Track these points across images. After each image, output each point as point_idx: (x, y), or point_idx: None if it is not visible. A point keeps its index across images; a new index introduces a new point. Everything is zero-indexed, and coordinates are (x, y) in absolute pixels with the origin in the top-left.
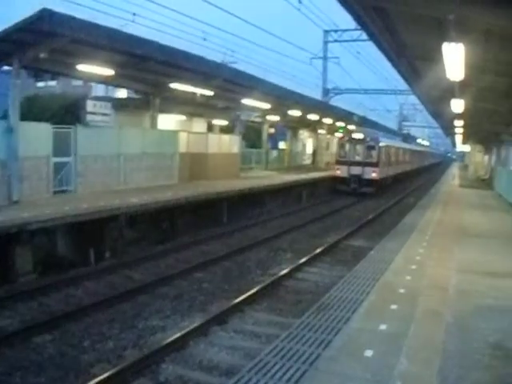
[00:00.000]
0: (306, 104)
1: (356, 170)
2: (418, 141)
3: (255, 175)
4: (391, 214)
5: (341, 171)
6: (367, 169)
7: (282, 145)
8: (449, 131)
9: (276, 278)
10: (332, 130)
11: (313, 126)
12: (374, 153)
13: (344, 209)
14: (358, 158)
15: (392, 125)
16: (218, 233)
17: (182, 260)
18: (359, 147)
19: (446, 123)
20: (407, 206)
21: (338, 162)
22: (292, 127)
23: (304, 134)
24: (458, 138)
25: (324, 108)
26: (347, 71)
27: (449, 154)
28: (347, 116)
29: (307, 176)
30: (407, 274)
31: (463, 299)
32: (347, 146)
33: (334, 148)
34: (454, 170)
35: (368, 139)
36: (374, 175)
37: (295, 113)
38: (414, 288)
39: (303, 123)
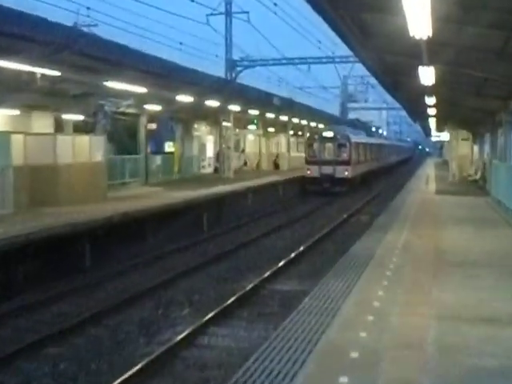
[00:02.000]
0: (202, 85)
1: (327, 170)
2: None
3: (131, 194)
4: (335, 240)
5: (311, 171)
6: (339, 168)
7: (168, 147)
8: (417, 114)
9: (168, 348)
10: (244, 120)
11: (214, 117)
12: (346, 150)
13: (267, 236)
14: (328, 157)
15: (332, 108)
16: (77, 284)
17: (25, 328)
18: (329, 145)
19: (412, 103)
20: (359, 226)
21: (309, 162)
22: (183, 120)
23: (202, 130)
24: (432, 123)
25: (229, 89)
26: (262, 33)
27: (420, 147)
28: (264, 99)
29: (209, 191)
30: (361, 328)
31: (448, 360)
32: (316, 145)
33: (249, 146)
34: (429, 170)
35: (338, 136)
36: (346, 174)
37: (186, 98)
38: (372, 349)
39: (199, 114)
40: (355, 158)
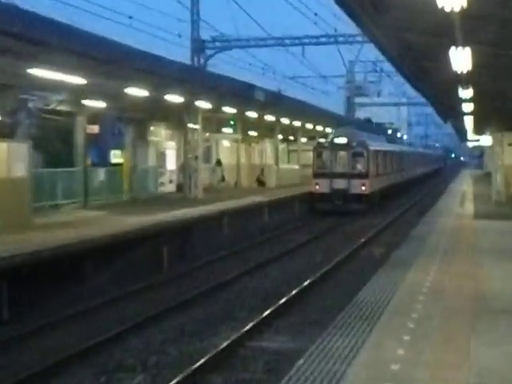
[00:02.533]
0: (161, 74)
1: (340, 184)
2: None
3: (65, 220)
4: (340, 280)
5: (320, 186)
6: (355, 182)
7: (116, 156)
8: (448, 112)
9: None
10: (217, 121)
11: (176, 118)
12: (363, 161)
13: (248, 275)
14: (341, 169)
15: (334, 104)
16: None
17: None
18: (343, 155)
19: (441, 96)
20: (371, 261)
21: (317, 175)
22: (135, 121)
23: (160, 134)
24: (469, 123)
25: (196, 80)
26: (240, 4)
27: (453, 155)
28: (243, 93)
29: (170, 217)
30: None
31: None
32: (326, 154)
33: (224, 156)
34: (465, 185)
35: (354, 144)
36: (363, 189)
37: (139, 92)
38: None
39: (157, 113)
40: (374, 169)
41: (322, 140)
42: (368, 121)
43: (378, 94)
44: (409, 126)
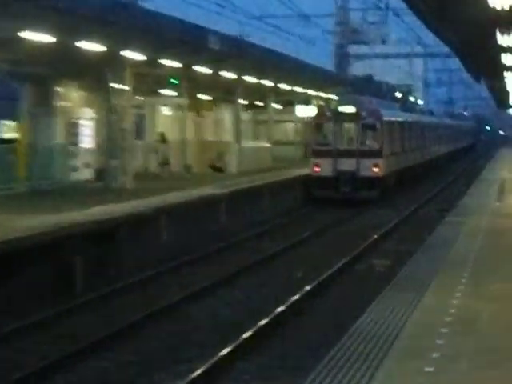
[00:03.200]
0: (72, 11)
1: (347, 164)
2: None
3: None
4: (325, 306)
5: (321, 167)
6: (365, 161)
7: (7, 129)
8: (482, 66)
9: None
10: (154, 79)
11: (95, 74)
12: (375, 135)
13: (196, 299)
14: (349, 146)
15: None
16: None
17: None
18: (350, 127)
19: (472, 44)
20: (371, 279)
21: (316, 153)
22: (35, 78)
23: (72, 98)
24: (510, 86)
25: (124, 19)
26: None
27: (488, 127)
28: (191, 39)
29: (86, 216)
30: None
31: None
32: (329, 127)
33: (164, 130)
34: (505, 169)
35: (364, 113)
36: (376, 171)
37: (39, 36)
38: None
39: (67, 66)
40: (389, 146)
41: (323, 108)
42: (368, 79)
43: (383, 42)
44: (425, 88)
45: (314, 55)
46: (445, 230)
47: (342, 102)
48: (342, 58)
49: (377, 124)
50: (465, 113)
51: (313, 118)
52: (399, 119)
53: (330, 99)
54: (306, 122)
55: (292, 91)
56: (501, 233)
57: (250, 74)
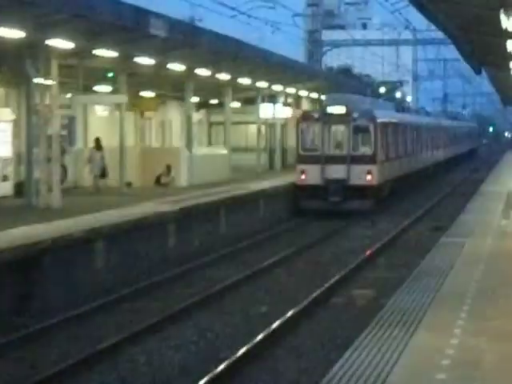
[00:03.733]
0: None
1: (337, 171)
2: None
3: None
4: (286, 355)
5: (308, 175)
6: (357, 168)
7: None
8: (483, 54)
9: None
10: (86, 72)
11: (13, 65)
12: (368, 138)
13: (133, 346)
14: (338, 151)
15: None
16: None
17: None
18: (340, 129)
19: (470, 27)
20: (349, 315)
21: (303, 159)
22: None
23: None
24: None
25: (45, 1)
26: None
27: (491, 128)
28: (130, 23)
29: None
30: None
31: None
32: (317, 129)
33: (99, 133)
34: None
35: (356, 114)
36: (369, 179)
37: None
38: None
39: None
40: (383, 151)
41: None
42: (345, 72)
43: (364, 26)
44: (415, 82)
45: (282, 43)
46: (440, 253)
47: (330, 102)
48: (315, 46)
49: (369, 126)
50: (463, 112)
51: (298, 119)
52: (394, 120)
53: (300, 96)
54: (289, 121)
55: (254, 87)
56: (507, 258)
57: (202, 66)
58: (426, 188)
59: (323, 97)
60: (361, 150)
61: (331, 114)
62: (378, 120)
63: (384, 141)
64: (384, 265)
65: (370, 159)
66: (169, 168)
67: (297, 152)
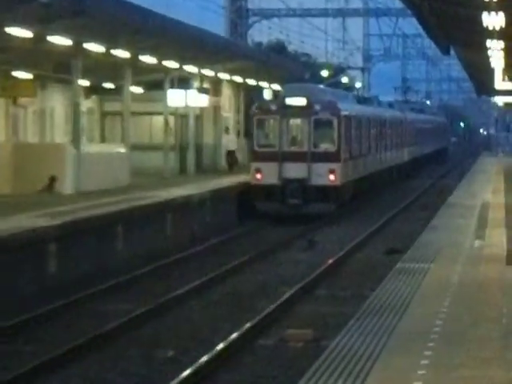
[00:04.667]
0: None
1: (296, 170)
2: None
3: None
4: None
5: (264, 174)
6: (319, 166)
7: None
8: (450, 31)
9: None
10: None
11: None
12: (332, 133)
13: None
14: (298, 147)
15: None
16: None
17: None
18: (300, 123)
19: None
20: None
21: (258, 156)
22: None
23: None
24: (496, 57)
25: None
26: None
27: (462, 124)
28: None
29: None
30: None
31: None
32: (274, 123)
33: None
34: (487, 187)
35: (317, 106)
36: (332, 178)
37: None
38: None
39: None
40: (347, 147)
41: (267, 99)
42: (278, 49)
43: None
44: (367, 63)
45: (195, 12)
46: (395, 283)
47: (289, 93)
48: (239, 16)
49: (333, 120)
50: (427, 102)
51: (253, 112)
52: (358, 113)
53: (219, 79)
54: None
55: (160, 67)
56: (480, 289)
57: (94, 40)
58: (384, 195)
59: (249, 80)
60: (324, 146)
61: (290, 106)
62: (342, 112)
63: (347, 135)
64: (325, 297)
65: (334, 156)
66: (52, 181)
67: (252, 147)
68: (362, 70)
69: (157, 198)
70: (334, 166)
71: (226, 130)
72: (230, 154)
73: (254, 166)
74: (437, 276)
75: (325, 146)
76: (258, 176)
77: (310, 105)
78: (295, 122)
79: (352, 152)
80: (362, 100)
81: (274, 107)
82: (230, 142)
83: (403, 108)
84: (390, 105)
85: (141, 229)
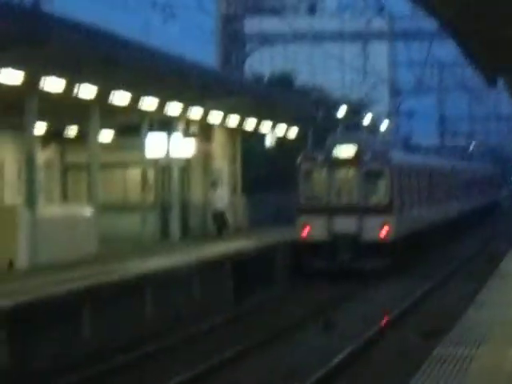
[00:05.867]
0: None
1: (346, 225)
2: None
3: None
4: None
5: (311, 229)
6: (370, 220)
7: None
8: (502, 53)
9: None
10: None
11: None
12: (383, 184)
13: None
14: (347, 200)
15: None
16: None
17: None
18: (349, 174)
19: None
20: None
21: (305, 210)
22: None
23: None
24: None
25: None
26: None
27: None
28: None
29: None
30: None
31: None
32: (322, 175)
33: None
34: None
35: (366, 156)
36: (384, 233)
37: None
38: None
39: None
40: (401, 199)
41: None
42: (283, 82)
43: (311, 11)
44: (394, 97)
45: (180, 38)
46: (434, 372)
47: (337, 142)
48: (234, 41)
49: (384, 170)
50: (470, 146)
51: (299, 162)
52: (412, 162)
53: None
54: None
55: (136, 107)
56: None
57: (53, 74)
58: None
59: (250, 121)
60: (375, 198)
61: (339, 157)
62: (394, 162)
63: (400, 187)
64: None
65: (386, 209)
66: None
67: (299, 200)
68: (389, 106)
69: (130, 270)
70: (386, 219)
71: (214, 184)
72: (219, 215)
73: (301, 221)
74: (485, 364)
75: (376, 198)
76: (305, 230)
77: (359, 154)
78: (343, 172)
79: (404, 203)
80: (407, 147)
81: (319, 157)
82: (219, 199)
83: (450, 154)
84: (438, 152)
85: (111, 311)
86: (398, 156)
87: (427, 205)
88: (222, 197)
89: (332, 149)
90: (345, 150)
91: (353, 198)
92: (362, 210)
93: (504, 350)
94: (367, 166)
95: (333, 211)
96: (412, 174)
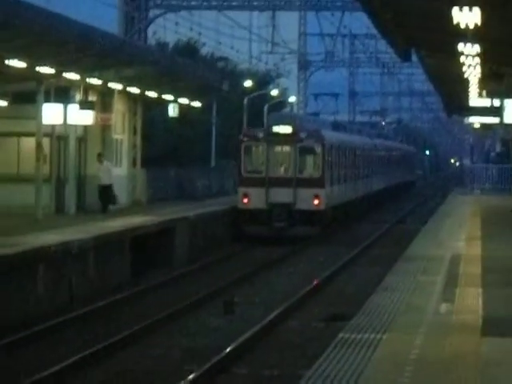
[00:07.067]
0: None
1: (282, 195)
2: None
3: None
4: None
5: (251, 198)
6: (304, 191)
7: None
8: (417, 28)
9: None
10: None
11: None
12: (316, 160)
13: None
14: (284, 173)
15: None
16: None
17: None
18: (286, 150)
19: None
20: None
21: (245, 181)
22: None
23: None
24: (471, 69)
25: None
26: None
27: (427, 152)
28: None
29: None
30: None
31: None
32: (260, 150)
33: None
34: (459, 239)
35: (302, 134)
36: (317, 203)
37: None
38: None
39: None
40: (331, 173)
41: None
42: (188, 52)
43: None
44: (303, 70)
45: (80, 2)
46: (336, 359)
47: (275, 121)
48: (136, 7)
49: (317, 147)
50: (383, 122)
51: (240, 139)
52: (342, 139)
53: (110, 90)
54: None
55: (32, 73)
56: (448, 368)
57: None
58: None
59: (150, 93)
60: (308, 172)
61: (277, 134)
62: (326, 140)
63: (330, 162)
64: (245, 377)
65: (318, 182)
66: None
67: (240, 173)
68: (298, 79)
69: (22, 245)
70: (318, 190)
71: (99, 156)
72: (104, 190)
73: (242, 191)
74: (390, 350)
75: (310, 172)
76: (246, 200)
77: (295, 132)
78: (281, 148)
79: (333, 177)
80: (336, 127)
81: (260, 134)
82: (105, 172)
83: (371, 134)
84: (359, 131)
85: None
86: (328, 134)
87: (353, 179)
88: (108, 170)
89: (271, 127)
90: (282, 129)
91: (288, 172)
92: (296, 182)
93: (408, 336)
94: (302, 143)
95: (270, 183)
96: (340, 151)
